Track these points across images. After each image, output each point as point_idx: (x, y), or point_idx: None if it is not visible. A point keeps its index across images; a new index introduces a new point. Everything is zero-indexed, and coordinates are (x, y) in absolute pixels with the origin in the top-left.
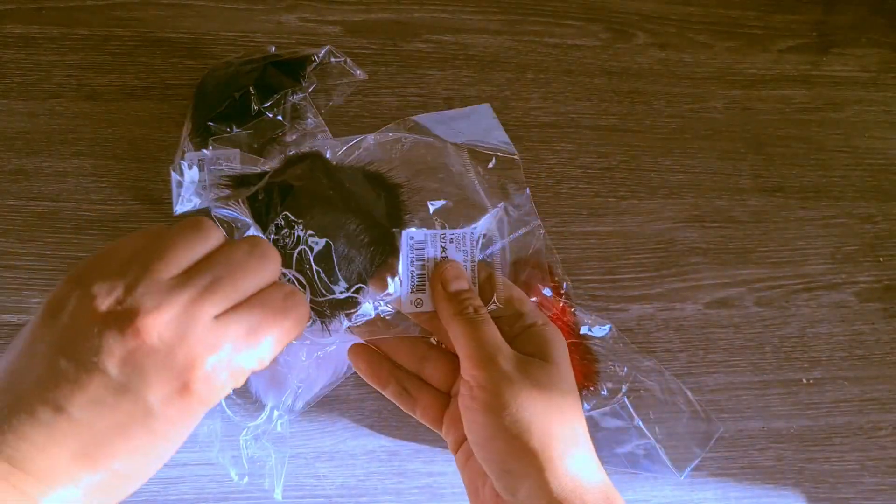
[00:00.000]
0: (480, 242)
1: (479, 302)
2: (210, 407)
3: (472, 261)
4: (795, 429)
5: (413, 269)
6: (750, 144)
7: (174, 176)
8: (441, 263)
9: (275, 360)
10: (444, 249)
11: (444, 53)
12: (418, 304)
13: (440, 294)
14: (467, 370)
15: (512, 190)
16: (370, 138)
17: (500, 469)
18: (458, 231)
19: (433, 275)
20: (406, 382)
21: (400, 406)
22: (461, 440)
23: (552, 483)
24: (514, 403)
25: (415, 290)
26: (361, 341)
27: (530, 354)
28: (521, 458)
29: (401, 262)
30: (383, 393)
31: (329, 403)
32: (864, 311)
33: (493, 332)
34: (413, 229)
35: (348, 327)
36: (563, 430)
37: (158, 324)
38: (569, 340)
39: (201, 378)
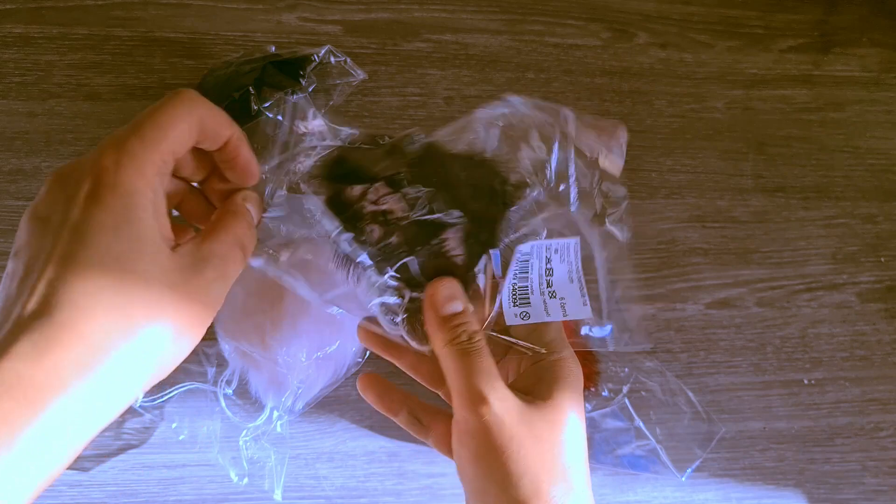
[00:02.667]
0: (580, 253)
1: (474, 327)
2: None
3: (577, 272)
4: (797, 429)
5: (516, 281)
6: (751, 144)
7: None
8: (434, 283)
9: (274, 360)
10: (549, 260)
11: (444, 53)
12: (524, 316)
13: (431, 318)
14: (457, 410)
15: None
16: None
17: (478, 497)
18: (561, 241)
19: (425, 296)
20: (418, 411)
21: (412, 434)
22: None
23: None
24: (502, 455)
25: (518, 303)
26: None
27: (533, 390)
28: (496, 498)
29: (506, 275)
30: (394, 420)
31: (329, 404)
32: (866, 312)
33: (488, 366)
34: (523, 244)
35: (366, 318)
36: (555, 485)
37: None
38: (572, 340)
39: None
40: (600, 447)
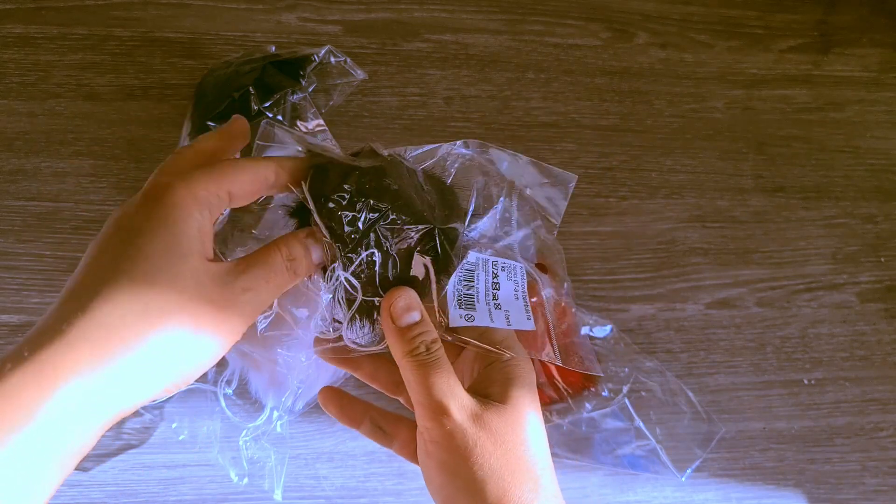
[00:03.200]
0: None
1: (432, 337)
2: None
3: (523, 292)
4: (797, 429)
5: (461, 287)
6: (751, 144)
7: None
8: (391, 293)
9: (274, 361)
10: (495, 276)
11: (444, 53)
12: (469, 318)
13: (389, 329)
14: (420, 420)
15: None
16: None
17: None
18: (509, 262)
19: (382, 305)
20: (380, 420)
21: (376, 443)
22: None
23: None
24: (468, 461)
25: (464, 307)
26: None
27: (489, 392)
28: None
29: (451, 278)
30: (358, 432)
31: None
32: (866, 312)
33: (446, 376)
34: (470, 254)
35: (319, 347)
36: (522, 485)
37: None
38: (569, 340)
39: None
40: (600, 447)
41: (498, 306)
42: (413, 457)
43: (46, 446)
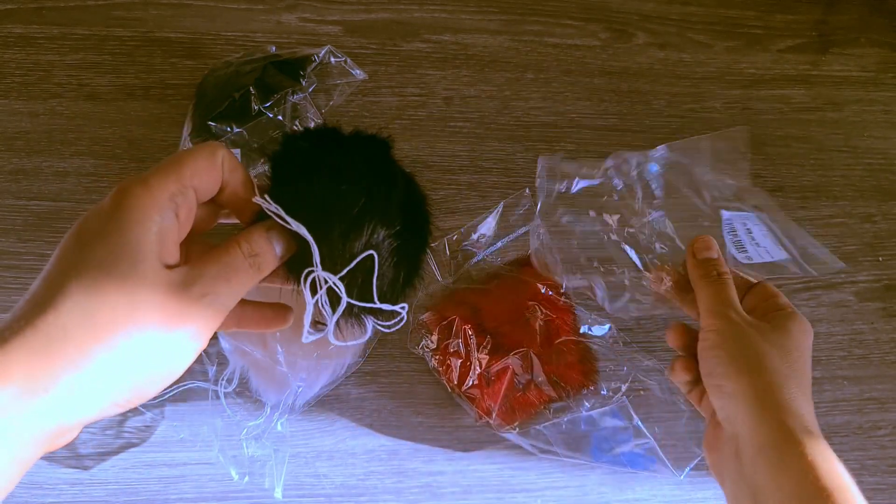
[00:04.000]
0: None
1: (724, 268)
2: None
3: (764, 231)
4: None
5: (730, 236)
6: (749, 144)
7: None
8: (695, 238)
9: (275, 360)
10: (745, 225)
11: (443, 53)
12: (748, 259)
13: (691, 261)
14: (705, 320)
15: None
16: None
17: (718, 392)
18: (748, 215)
19: (688, 245)
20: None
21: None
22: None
23: (761, 407)
24: (736, 339)
25: (739, 250)
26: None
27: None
28: (735, 379)
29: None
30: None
31: (329, 403)
32: (864, 311)
33: (731, 293)
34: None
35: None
36: (775, 371)
37: None
38: (569, 339)
39: None
40: (599, 446)
41: (757, 244)
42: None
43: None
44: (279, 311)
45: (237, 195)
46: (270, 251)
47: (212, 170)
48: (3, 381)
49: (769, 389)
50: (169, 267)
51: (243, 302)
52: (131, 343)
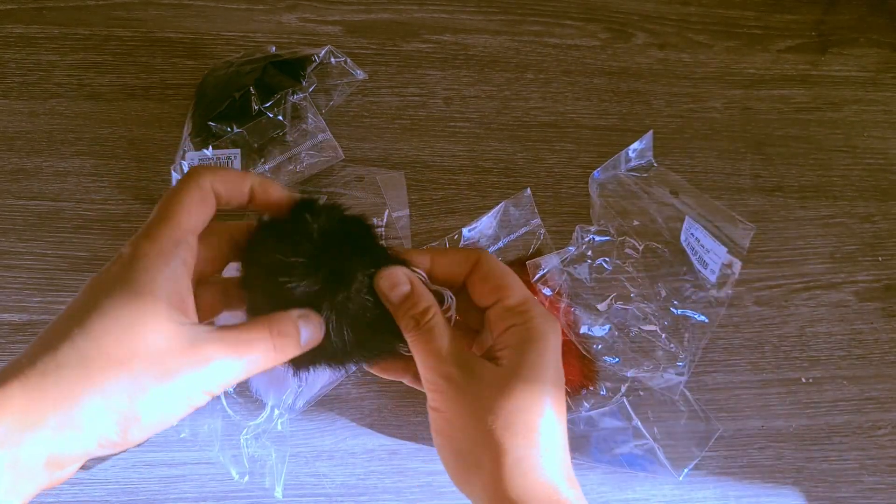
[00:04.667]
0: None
1: (421, 308)
2: None
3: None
4: (794, 428)
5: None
6: (749, 144)
7: (175, 175)
8: (378, 275)
9: None
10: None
11: (444, 53)
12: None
13: (388, 307)
14: (423, 381)
15: None
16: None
17: (454, 468)
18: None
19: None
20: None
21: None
22: None
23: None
24: (446, 433)
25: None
26: None
27: (499, 356)
28: (465, 484)
29: None
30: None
31: (329, 402)
32: (864, 311)
33: (437, 346)
34: None
35: None
36: (478, 462)
37: None
38: (568, 339)
39: None
40: (598, 446)
41: (707, 250)
42: None
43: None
44: None
45: (266, 197)
46: (295, 340)
47: (204, 202)
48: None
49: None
50: (184, 321)
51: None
52: (121, 389)
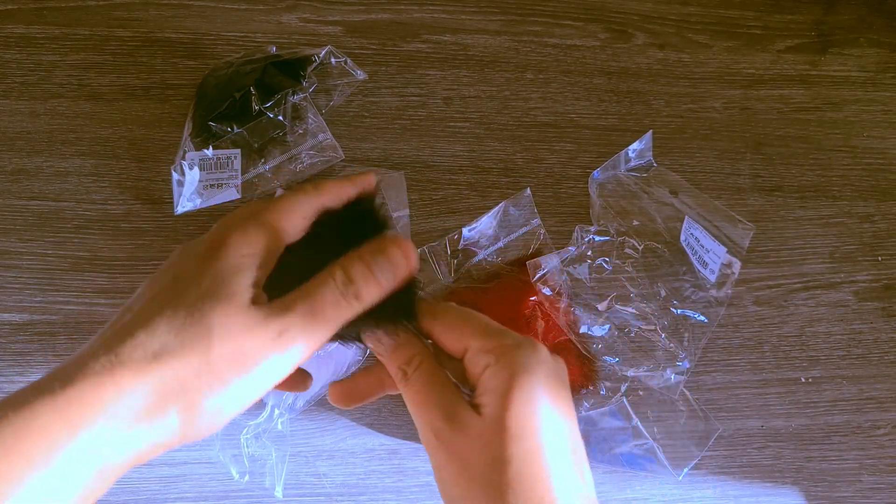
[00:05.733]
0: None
1: (403, 359)
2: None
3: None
4: (794, 427)
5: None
6: (749, 144)
7: (175, 175)
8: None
9: None
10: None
11: (443, 53)
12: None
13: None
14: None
15: None
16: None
17: None
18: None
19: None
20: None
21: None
22: None
23: None
24: (441, 485)
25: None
26: None
27: (481, 403)
28: None
29: None
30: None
31: (329, 402)
32: (863, 311)
33: (424, 396)
34: None
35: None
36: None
37: None
38: (568, 339)
39: None
40: (598, 446)
41: (707, 250)
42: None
43: (62, 489)
44: (297, 377)
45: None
46: (371, 279)
47: (307, 216)
48: (95, 413)
49: None
50: (255, 303)
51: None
52: (190, 387)
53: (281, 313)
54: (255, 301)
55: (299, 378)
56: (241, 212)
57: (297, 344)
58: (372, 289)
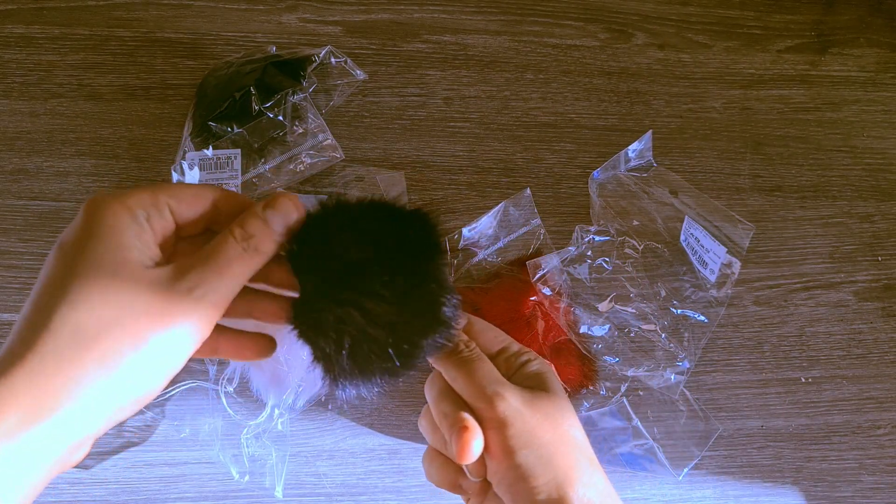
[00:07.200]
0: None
1: (465, 337)
2: None
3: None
4: (794, 427)
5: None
6: (748, 144)
7: (175, 175)
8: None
9: (275, 359)
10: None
11: (443, 53)
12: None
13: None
14: (478, 412)
15: None
16: None
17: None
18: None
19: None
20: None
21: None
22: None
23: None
24: (528, 442)
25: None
26: None
27: (531, 388)
28: (545, 491)
29: None
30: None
31: (329, 402)
32: (863, 311)
33: (490, 367)
34: None
35: None
36: (580, 463)
37: None
38: (568, 339)
39: None
40: (598, 446)
41: (707, 250)
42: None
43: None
44: (259, 341)
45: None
46: (267, 231)
47: (196, 199)
48: (5, 410)
49: (574, 495)
50: (155, 265)
51: (221, 329)
52: (122, 349)
53: (186, 271)
54: (158, 264)
55: (262, 342)
56: (101, 192)
57: (209, 298)
58: (268, 240)
